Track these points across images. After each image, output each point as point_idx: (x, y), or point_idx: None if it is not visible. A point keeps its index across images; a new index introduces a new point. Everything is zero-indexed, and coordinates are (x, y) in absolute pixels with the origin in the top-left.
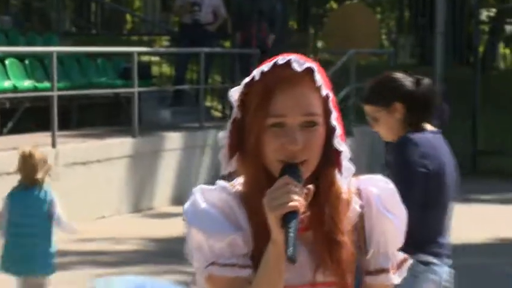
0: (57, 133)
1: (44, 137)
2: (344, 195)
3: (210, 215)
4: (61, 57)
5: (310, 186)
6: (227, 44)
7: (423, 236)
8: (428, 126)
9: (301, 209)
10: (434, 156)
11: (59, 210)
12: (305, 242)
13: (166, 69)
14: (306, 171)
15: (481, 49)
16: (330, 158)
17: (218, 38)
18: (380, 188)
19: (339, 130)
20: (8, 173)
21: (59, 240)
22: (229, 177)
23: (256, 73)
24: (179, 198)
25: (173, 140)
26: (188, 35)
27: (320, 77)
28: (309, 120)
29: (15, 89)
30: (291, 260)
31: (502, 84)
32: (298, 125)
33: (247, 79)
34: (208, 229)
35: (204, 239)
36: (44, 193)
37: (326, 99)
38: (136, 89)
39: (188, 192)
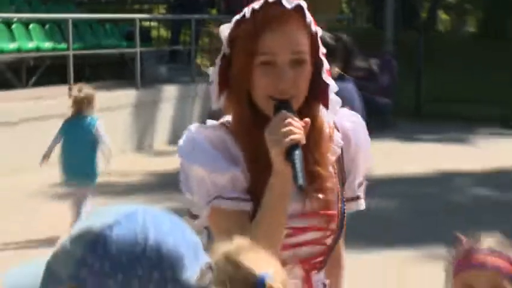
0: (73, 86)
1: (62, 89)
2: (326, 130)
3: (208, 151)
4: (76, 22)
5: (307, 119)
6: (214, 11)
7: None
8: (345, 76)
9: (303, 141)
10: (349, 102)
11: (102, 131)
12: None
13: (163, 32)
14: (295, 106)
15: (424, 15)
16: (315, 93)
17: (206, 7)
18: (354, 123)
19: (326, 65)
20: (35, 118)
21: None
22: (218, 113)
23: (246, 11)
24: (174, 139)
25: (169, 91)
26: (182, 4)
27: (309, 14)
28: (298, 57)
29: (37, 50)
30: (301, 188)
31: (441, 44)
32: (288, 63)
33: (237, 16)
34: (208, 165)
35: (206, 174)
36: (91, 122)
37: (314, 36)
38: (138, 49)
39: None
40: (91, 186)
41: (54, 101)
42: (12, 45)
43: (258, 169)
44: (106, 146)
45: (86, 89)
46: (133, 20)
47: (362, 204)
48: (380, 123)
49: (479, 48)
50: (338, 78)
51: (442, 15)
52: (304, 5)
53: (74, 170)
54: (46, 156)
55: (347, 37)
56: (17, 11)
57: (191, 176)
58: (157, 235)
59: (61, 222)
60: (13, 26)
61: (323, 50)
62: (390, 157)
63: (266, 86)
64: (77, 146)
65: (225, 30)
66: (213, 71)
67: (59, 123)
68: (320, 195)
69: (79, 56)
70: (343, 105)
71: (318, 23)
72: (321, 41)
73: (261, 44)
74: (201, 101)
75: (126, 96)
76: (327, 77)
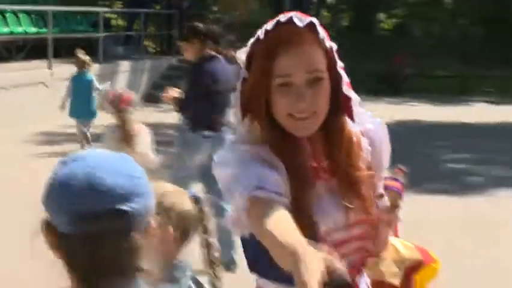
0: (52, 60)
1: (43, 63)
2: (354, 138)
3: (251, 163)
4: (55, 13)
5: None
6: (158, 6)
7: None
8: (216, 53)
9: None
10: (222, 75)
11: (97, 84)
12: (331, 189)
13: (120, 22)
14: (316, 123)
15: (312, 13)
16: (338, 106)
17: (152, 3)
18: (374, 124)
19: (346, 78)
20: (22, 85)
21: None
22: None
23: (260, 32)
24: None
25: (124, 65)
26: (134, 1)
27: (322, 30)
28: (315, 76)
29: (25, 33)
30: None
31: None
32: (304, 83)
33: (252, 39)
34: (257, 172)
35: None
36: (89, 76)
37: (329, 51)
38: (101, 34)
39: (135, 96)
40: (92, 120)
41: (36, 72)
42: (5, 29)
43: (297, 179)
44: (101, 91)
45: (85, 56)
46: (98, 13)
47: (386, 201)
48: None
49: (353, 38)
50: (211, 56)
51: (324, 13)
52: (317, 21)
53: (80, 110)
54: (63, 105)
55: (215, 27)
56: (10, 3)
57: (231, 178)
58: (101, 174)
59: (32, 161)
60: (7, 15)
61: (340, 64)
62: None
63: (286, 106)
64: (82, 93)
65: (242, 54)
66: (234, 95)
67: (40, 89)
68: (358, 201)
69: (57, 38)
70: (215, 77)
71: (236, 17)
72: (196, 26)
73: (276, 66)
74: (146, 73)
75: (92, 68)
76: (347, 90)
